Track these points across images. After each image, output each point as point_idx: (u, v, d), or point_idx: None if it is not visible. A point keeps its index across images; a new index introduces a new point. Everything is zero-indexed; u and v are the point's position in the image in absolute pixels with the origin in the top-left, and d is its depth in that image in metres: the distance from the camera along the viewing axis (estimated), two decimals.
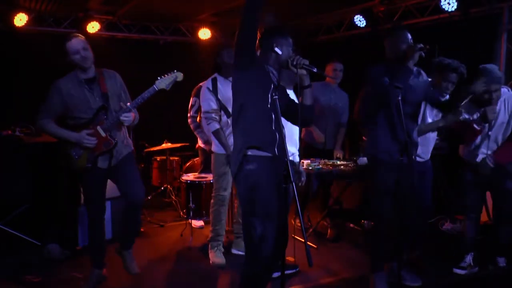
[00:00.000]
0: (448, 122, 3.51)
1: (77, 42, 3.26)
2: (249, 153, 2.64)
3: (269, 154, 2.65)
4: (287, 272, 3.17)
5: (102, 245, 3.57)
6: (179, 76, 3.43)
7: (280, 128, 2.61)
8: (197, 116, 5.05)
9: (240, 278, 2.81)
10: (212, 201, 4.12)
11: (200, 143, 5.17)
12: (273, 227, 2.62)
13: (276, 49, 2.73)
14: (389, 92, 3.07)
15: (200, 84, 5.09)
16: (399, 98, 3.01)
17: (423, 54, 3.07)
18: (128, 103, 3.35)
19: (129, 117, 3.31)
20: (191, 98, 5.05)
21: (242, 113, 2.69)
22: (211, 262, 4.00)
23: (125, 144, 3.52)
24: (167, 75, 3.40)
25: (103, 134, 3.31)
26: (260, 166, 2.64)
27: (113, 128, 3.34)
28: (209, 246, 4.12)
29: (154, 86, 3.36)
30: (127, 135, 3.59)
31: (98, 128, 3.29)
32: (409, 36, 3.22)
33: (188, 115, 5.04)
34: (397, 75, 3.06)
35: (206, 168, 5.11)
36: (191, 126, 5.07)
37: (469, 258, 3.82)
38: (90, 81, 3.31)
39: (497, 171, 3.69)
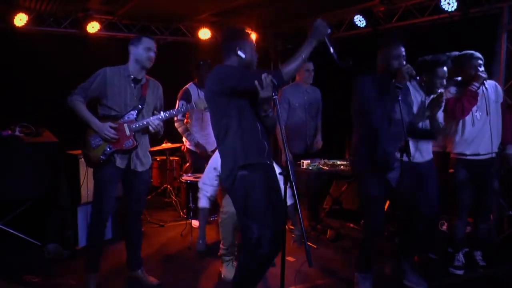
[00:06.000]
0: (433, 108, 3.40)
1: (154, 43, 3.35)
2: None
3: (260, 162, 2.73)
4: None
5: (101, 247, 3.50)
6: None
7: (267, 135, 2.76)
8: (184, 120, 5.02)
9: (235, 275, 2.86)
10: (222, 215, 3.78)
11: (187, 145, 5.14)
12: (269, 229, 2.65)
13: (239, 53, 2.73)
14: (375, 105, 3.09)
15: (186, 86, 5.07)
16: (399, 98, 3.01)
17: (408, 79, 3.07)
18: (162, 112, 3.43)
19: (157, 124, 3.35)
20: (178, 101, 4.98)
21: (228, 133, 2.72)
22: (222, 276, 3.75)
23: (145, 158, 3.48)
24: None
25: (128, 133, 3.31)
26: (253, 171, 2.69)
27: (139, 131, 3.36)
28: (221, 260, 3.83)
29: (193, 103, 3.52)
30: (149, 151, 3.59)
31: (125, 125, 3.31)
32: (402, 51, 3.17)
33: (175, 118, 4.97)
34: (386, 89, 3.08)
35: (196, 170, 5.08)
36: (179, 130, 5.04)
37: (461, 256, 3.85)
38: (136, 81, 3.36)
39: (488, 168, 3.75)
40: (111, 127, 3.25)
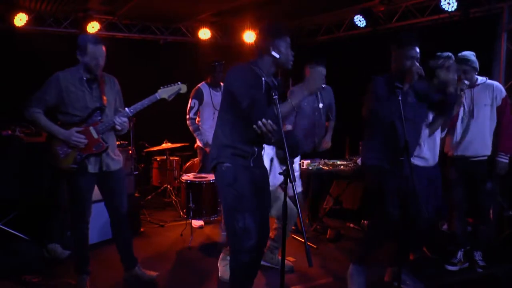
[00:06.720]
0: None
1: (103, 51, 3.22)
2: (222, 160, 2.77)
3: (241, 164, 2.76)
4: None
5: (87, 250, 3.47)
6: (183, 88, 3.43)
7: (261, 141, 2.77)
8: (196, 118, 5.06)
9: (230, 273, 2.86)
10: None
11: (198, 142, 5.17)
12: (253, 219, 2.71)
13: (273, 53, 2.68)
14: (386, 104, 3.08)
15: (198, 85, 5.11)
16: (399, 98, 3.00)
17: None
18: (127, 108, 3.32)
19: (126, 122, 3.28)
20: (190, 100, 5.04)
21: (225, 127, 2.78)
22: (220, 275, 3.72)
23: (117, 156, 3.42)
24: (171, 85, 3.39)
25: (95, 136, 3.22)
26: (235, 164, 2.75)
27: (106, 131, 3.27)
28: (220, 257, 3.83)
29: (156, 94, 3.36)
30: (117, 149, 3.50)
31: (91, 128, 3.22)
32: (417, 51, 3.17)
33: (187, 117, 5.05)
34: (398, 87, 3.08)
35: (204, 168, 5.11)
36: (190, 128, 5.08)
37: (460, 254, 3.88)
38: (91, 81, 3.25)
39: (479, 169, 3.76)
40: (77, 132, 3.17)
